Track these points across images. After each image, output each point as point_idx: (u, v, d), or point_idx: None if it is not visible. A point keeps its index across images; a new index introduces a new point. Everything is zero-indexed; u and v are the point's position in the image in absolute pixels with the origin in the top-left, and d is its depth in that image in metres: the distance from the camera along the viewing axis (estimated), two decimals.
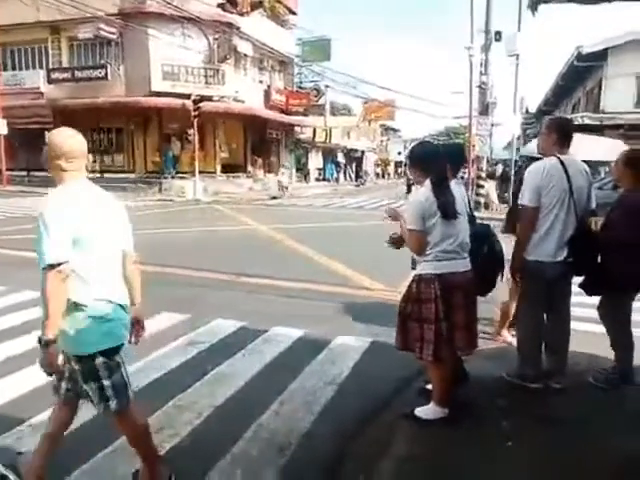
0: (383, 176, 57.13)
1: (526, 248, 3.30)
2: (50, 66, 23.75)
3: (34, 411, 3.05)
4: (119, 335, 2.22)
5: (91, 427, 2.76)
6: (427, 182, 2.88)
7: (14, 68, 24.65)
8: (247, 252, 9.20)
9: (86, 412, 2.48)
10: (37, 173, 24.01)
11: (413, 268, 3.02)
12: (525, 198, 3.27)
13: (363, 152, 48.99)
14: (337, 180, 41.22)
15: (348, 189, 33.31)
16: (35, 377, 3.58)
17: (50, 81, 23.32)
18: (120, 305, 2.22)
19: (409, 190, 21.32)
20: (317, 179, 38.40)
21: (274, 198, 22.04)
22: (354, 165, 47.69)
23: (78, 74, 22.91)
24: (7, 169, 22.89)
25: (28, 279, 4.55)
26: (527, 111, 34.08)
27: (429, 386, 3.17)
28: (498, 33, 17.11)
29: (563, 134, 3.35)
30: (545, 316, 3.40)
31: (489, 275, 3.24)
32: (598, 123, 15.72)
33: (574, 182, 3.20)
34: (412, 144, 3.73)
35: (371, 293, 6.24)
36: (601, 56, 17.98)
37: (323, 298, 5.96)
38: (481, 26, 17.23)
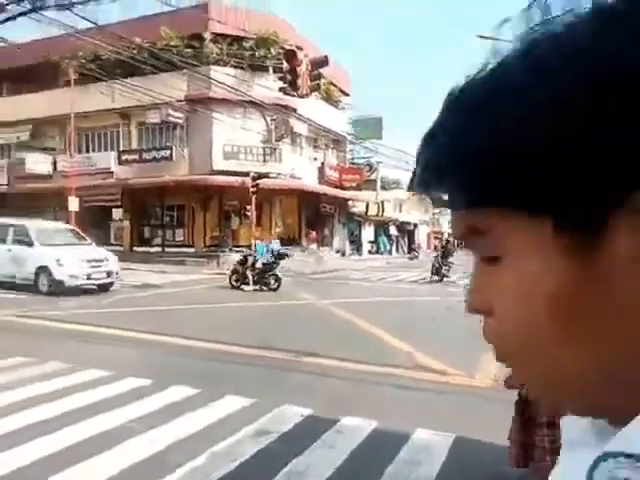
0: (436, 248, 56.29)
1: None
2: (120, 148, 25.57)
3: None
4: None
5: None
6: None
7: (87, 150, 26.63)
8: (306, 328, 8.94)
9: None
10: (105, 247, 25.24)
11: None
12: None
13: (415, 225, 48.86)
14: (390, 253, 40.97)
15: (402, 262, 32.87)
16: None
17: (120, 162, 24.99)
18: None
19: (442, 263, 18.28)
20: (370, 251, 38.26)
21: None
22: (406, 238, 47.48)
23: (145, 155, 24.48)
24: None
25: None
26: None
27: None
28: None
29: None
30: None
31: None
32: None
33: None
34: None
35: (444, 378, 5.78)
36: None
37: (391, 383, 5.56)
38: None
